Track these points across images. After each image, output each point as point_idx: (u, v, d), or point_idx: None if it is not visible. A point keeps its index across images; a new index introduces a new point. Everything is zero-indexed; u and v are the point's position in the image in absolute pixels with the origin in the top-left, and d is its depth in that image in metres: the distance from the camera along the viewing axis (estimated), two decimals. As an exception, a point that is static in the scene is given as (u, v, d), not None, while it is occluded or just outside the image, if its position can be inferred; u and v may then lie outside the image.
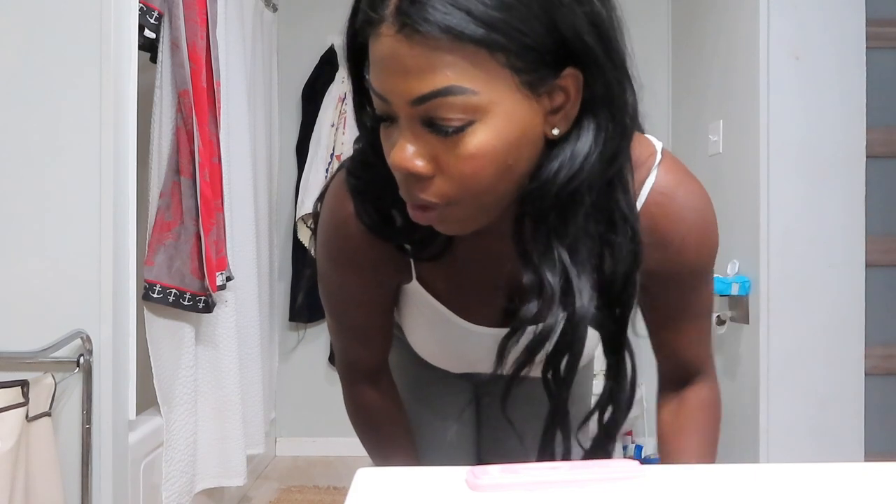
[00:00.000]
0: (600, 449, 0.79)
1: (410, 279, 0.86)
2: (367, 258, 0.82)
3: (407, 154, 0.64)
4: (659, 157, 0.77)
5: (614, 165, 0.69)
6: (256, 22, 2.87)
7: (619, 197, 0.71)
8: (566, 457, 0.77)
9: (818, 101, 2.35)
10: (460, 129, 0.62)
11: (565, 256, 0.69)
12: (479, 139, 0.62)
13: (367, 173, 0.76)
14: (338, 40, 3.29)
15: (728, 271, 2.51)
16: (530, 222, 0.69)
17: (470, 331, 0.88)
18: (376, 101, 0.65)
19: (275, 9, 3.20)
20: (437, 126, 0.62)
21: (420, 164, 0.64)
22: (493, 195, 0.66)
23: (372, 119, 0.68)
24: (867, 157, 2.35)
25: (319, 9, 3.34)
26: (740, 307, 2.50)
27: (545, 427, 0.77)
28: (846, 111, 2.35)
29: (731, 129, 2.62)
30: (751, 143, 2.42)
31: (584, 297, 0.69)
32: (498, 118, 0.62)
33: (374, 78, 0.64)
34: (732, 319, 2.56)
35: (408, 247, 0.80)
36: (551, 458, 0.77)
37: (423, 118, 0.62)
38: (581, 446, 0.79)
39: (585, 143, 0.66)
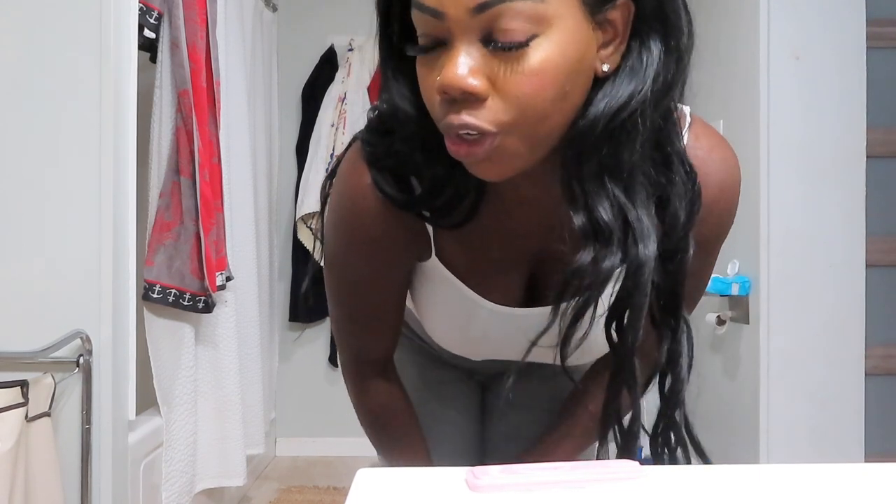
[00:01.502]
0: (665, 420, 0.72)
1: (429, 255, 0.81)
2: (384, 233, 0.77)
3: (461, 71, 0.58)
4: (689, 119, 0.73)
5: (670, 96, 0.65)
6: (256, 22, 2.87)
7: (672, 135, 0.68)
8: (636, 417, 0.71)
9: (818, 101, 2.35)
10: (524, 45, 0.57)
11: (620, 195, 0.63)
12: (543, 54, 0.58)
13: (384, 140, 0.72)
14: (338, 40, 3.30)
15: (728, 271, 2.51)
16: (579, 160, 0.64)
17: (491, 311, 0.84)
18: (424, 22, 0.60)
19: (275, 9, 3.20)
20: (497, 41, 0.58)
21: (475, 83, 0.59)
22: (547, 125, 0.61)
23: (414, 49, 0.63)
24: (867, 157, 2.35)
25: (319, 9, 3.34)
26: (740, 307, 2.50)
27: (610, 386, 0.71)
28: (846, 111, 2.35)
29: (731, 129, 2.61)
30: (751, 143, 2.42)
31: (646, 238, 0.64)
32: (562, 34, 0.59)
33: None
34: (732, 319, 2.56)
35: (428, 214, 0.75)
36: (617, 418, 0.72)
37: (484, 30, 0.58)
38: (628, 436, 0.72)
39: (637, 76, 0.62)
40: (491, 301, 0.84)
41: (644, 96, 0.62)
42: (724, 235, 0.80)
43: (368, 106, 3.15)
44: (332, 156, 3.15)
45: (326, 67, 3.31)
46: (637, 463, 0.61)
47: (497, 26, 0.57)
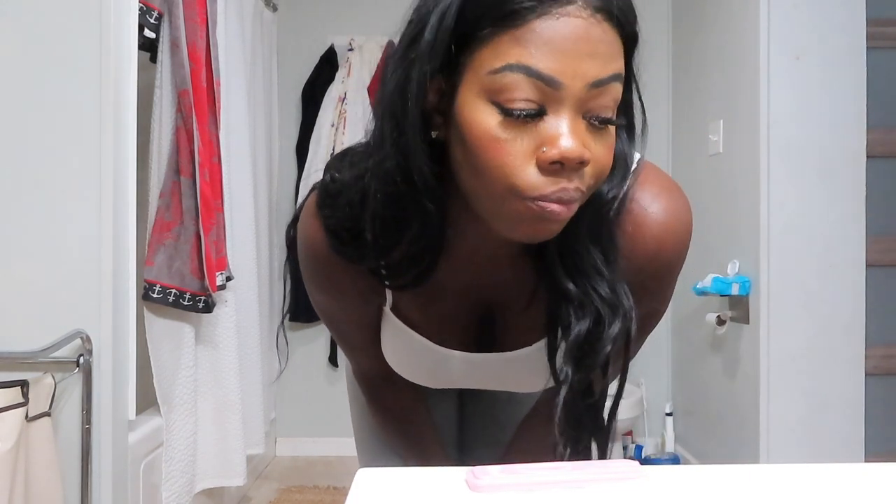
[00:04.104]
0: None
1: (385, 305, 0.86)
2: (347, 284, 0.82)
3: (577, 141, 0.62)
4: (633, 166, 0.74)
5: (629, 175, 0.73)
6: (256, 22, 2.87)
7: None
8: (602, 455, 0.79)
9: (818, 101, 2.35)
10: (613, 121, 0.65)
11: (603, 267, 0.72)
12: (612, 130, 0.66)
13: (340, 207, 0.75)
14: (338, 40, 3.29)
15: (728, 271, 2.51)
16: (570, 236, 0.70)
17: (447, 355, 0.88)
18: (531, 88, 0.61)
19: (275, 9, 3.20)
20: (598, 115, 0.63)
21: (589, 154, 0.63)
22: None
23: (509, 113, 0.63)
24: (867, 157, 2.35)
25: (319, 9, 3.34)
26: (740, 307, 2.50)
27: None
28: (846, 111, 2.35)
29: (731, 129, 2.61)
30: (751, 143, 2.42)
31: (631, 298, 0.72)
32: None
33: (543, 59, 0.61)
34: (732, 319, 2.56)
35: (384, 273, 0.78)
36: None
37: (587, 103, 0.63)
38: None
39: (620, 156, 0.70)
40: (446, 348, 0.87)
41: (621, 177, 0.71)
42: (670, 282, 0.82)
43: (368, 106, 3.16)
44: (332, 156, 3.15)
45: (326, 67, 3.31)
46: (637, 463, 0.61)
47: (599, 102, 0.63)
